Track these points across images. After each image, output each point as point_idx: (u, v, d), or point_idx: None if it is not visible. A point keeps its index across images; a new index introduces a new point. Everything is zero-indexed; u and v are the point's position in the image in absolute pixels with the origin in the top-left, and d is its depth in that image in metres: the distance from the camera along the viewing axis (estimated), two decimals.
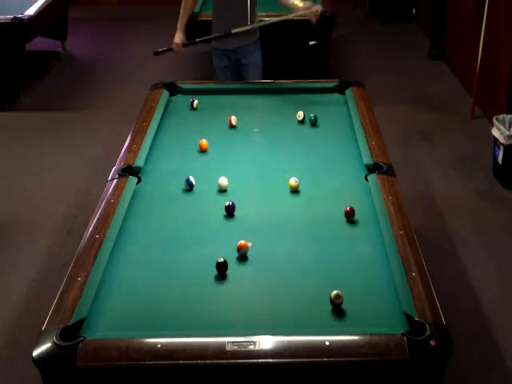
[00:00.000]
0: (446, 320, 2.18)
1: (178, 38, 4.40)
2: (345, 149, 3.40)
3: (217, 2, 4.32)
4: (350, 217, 2.78)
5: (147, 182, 3.11)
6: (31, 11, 5.85)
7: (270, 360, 2.05)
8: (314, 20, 4.20)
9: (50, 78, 6.71)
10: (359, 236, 2.71)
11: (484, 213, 4.43)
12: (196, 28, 5.61)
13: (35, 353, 2.07)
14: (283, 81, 4.23)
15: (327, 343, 2.07)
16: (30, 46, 6.09)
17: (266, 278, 2.48)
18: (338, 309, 2.26)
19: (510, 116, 4.63)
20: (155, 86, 4.07)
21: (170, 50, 4.44)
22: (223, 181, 3.03)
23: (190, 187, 3.03)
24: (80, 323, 2.18)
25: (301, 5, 4.20)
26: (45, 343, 2.09)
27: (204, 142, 3.40)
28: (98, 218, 2.75)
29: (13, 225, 4.37)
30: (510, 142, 4.46)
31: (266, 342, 2.08)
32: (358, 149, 3.31)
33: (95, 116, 5.90)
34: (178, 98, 4.02)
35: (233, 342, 2.07)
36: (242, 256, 2.56)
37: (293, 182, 3.00)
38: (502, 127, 4.53)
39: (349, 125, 3.60)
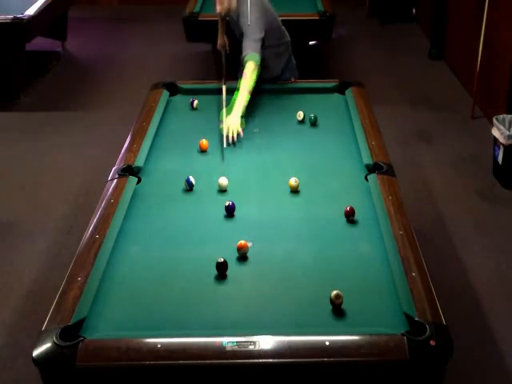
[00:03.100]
0: (446, 320, 2.18)
1: (220, 39, 4.16)
2: (345, 149, 3.39)
3: None
4: (350, 217, 2.78)
5: (147, 182, 3.11)
6: (31, 11, 5.85)
7: (270, 360, 2.05)
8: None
9: (50, 78, 6.71)
10: (359, 236, 2.70)
11: (484, 213, 4.42)
12: (196, 28, 5.65)
13: (35, 353, 2.07)
14: (283, 81, 4.23)
15: (327, 343, 2.07)
16: (29, 46, 6.09)
17: (265, 278, 2.48)
18: (338, 309, 2.26)
19: (510, 116, 4.63)
20: (155, 86, 4.07)
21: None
22: (223, 181, 3.03)
23: (190, 187, 3.03)
24: (80, 323, 2.18)
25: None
26: (45, 343, 2.09)
27: (204, 142, 3.41)
28: (98, 218, 2.75)
29: (13, 225, 4.37)
30: (510, 141, 4.46)
31: (265, 342, 2.08)
32: (358, 149, 3.31)
33: (95, 116, 5.89)
34: (178, 98, 4.02)
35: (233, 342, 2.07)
36: (242, 256, 2.56)
37: (293, 182, 3.00)
38: (501, 127, 4.53)
39: (349, 125, 3.60)
